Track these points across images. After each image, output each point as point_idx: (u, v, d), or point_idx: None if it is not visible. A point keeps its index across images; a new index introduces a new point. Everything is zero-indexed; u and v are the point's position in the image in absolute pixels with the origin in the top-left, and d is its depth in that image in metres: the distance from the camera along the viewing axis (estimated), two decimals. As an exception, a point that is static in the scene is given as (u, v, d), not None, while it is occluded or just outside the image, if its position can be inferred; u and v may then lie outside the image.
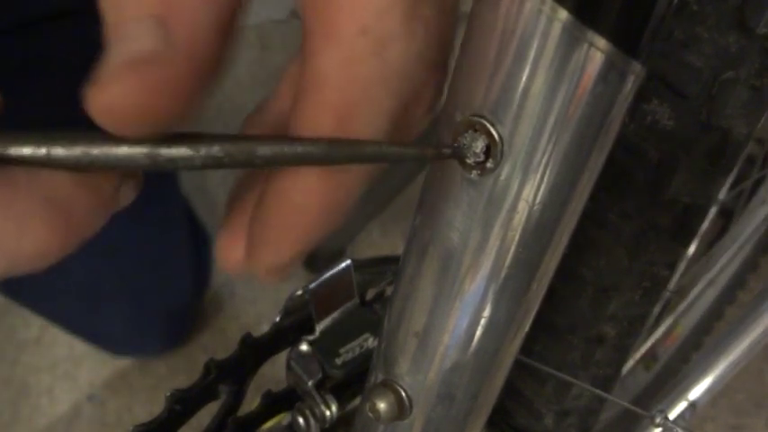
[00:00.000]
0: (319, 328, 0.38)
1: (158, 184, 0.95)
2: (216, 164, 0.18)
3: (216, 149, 0.18)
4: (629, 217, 0.37)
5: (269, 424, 0.41)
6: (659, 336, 0.74)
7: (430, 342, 0.26)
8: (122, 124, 0.16)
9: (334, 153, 0.18)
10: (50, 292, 0.81)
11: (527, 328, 0.27)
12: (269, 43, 1.37)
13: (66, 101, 0.79)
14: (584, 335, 0.41)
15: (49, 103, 0.72)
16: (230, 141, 0.18)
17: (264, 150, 0.18)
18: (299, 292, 0.37)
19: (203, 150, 0.18)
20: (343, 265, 0.38)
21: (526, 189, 0.21)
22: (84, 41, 0.75)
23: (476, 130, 0.21)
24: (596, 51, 0.19)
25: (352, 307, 0.38)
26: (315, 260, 1.12)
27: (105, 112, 0.16)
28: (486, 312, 0.25)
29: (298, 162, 0.18)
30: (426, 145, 0.21)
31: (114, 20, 0.17)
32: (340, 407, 0.38)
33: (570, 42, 0.19)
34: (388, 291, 0.40)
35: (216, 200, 1.22)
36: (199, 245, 0.98)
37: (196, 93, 0.17)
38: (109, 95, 0.16)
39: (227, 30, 0.18)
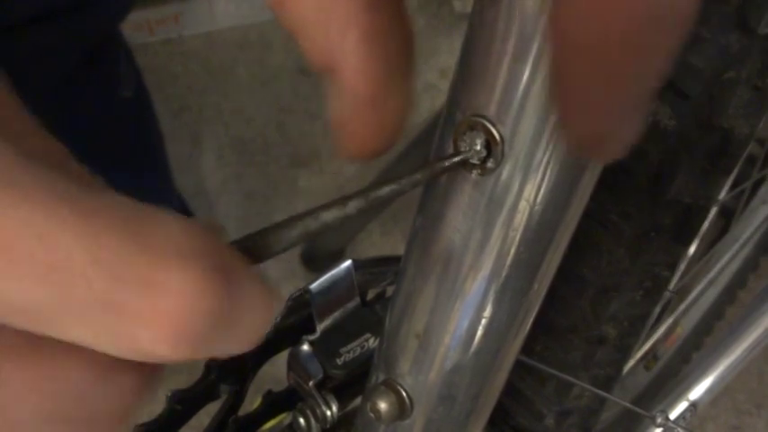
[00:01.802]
0: (320, 328, 0.38)
1: (152, 182, 0.96)
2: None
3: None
4: (630, 217, 0.37)
5: (269, 424, 0.41)
6: (660, 336, 0.74)
7: (431, 342, 0.26)
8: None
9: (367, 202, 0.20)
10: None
11: (528, 329, 0.27)
12: (269, 43, 1.37)
13: (62, 96, 0.79)
14: (585, 335, 0.41)
15: (46, 98, 0.72)
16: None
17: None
18: (300, 292, 0.37)
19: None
20: (344, 265, 0.38)
21: (527, 189, 0.21)
22: (80, 38, 0.76)
23: (476, 131, 0.21)
24: (598, 51, 0.19)
25: (353, 307, 0.38)
26: (315, 260, 1.12)
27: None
28: (487, 312, 0.25)
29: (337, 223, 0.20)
30: (435, 161, 0.21)
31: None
32: (341, 407, 0.38)
33: (572, 42, 0.19)
34: (389, 291, 0.40)
35: (215, 200, 1.22)
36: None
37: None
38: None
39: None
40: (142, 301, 0.16)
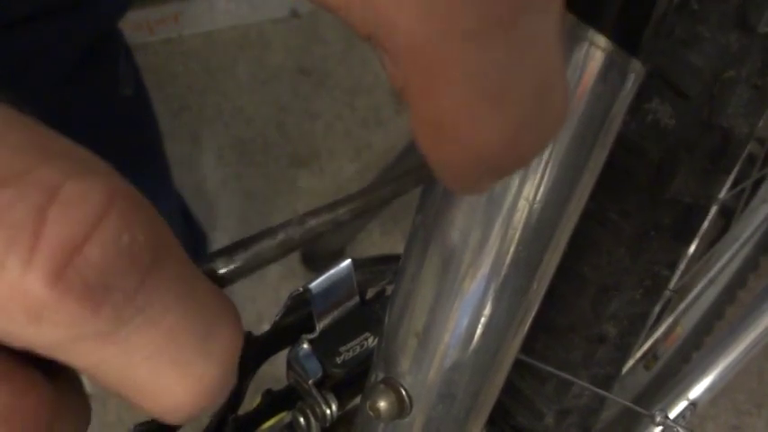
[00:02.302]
0: (319, 326, 0.38)
1: (151, 182, 0.96)
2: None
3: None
4: (629, 216, 0.37)
5: (269, 423, 0.41)
6: (660, 335, 0.74)
7: (430, 341, 0.26)
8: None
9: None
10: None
11: (527, 327, 0.27)
12: (269, 43, 1.37)
13: (61, 95, 0.80)
14: (584, 334, 0.41)
15: (45, 98, 0.72)
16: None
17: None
18: (300, 291, 0.37)
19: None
20: (344, 264, 0.38)
21: (526, 188, 0.21)
22: (78, 37, 0.76)
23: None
24: (597, 50, 0.19)
25: (353, 306, 0.38)
26: (315, 259, 1.12)
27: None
28: (487, 311, 0.25)
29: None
30: None
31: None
32: (340, 406, 0.38)
33: (571, 41, 0.19)
34: (389, 290, 0.40)
35: (215, 201, 1.22)
36: (196, 243, 0.98)
37: None
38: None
39: None
40: (21, 204, 0.10)
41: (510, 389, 0.46)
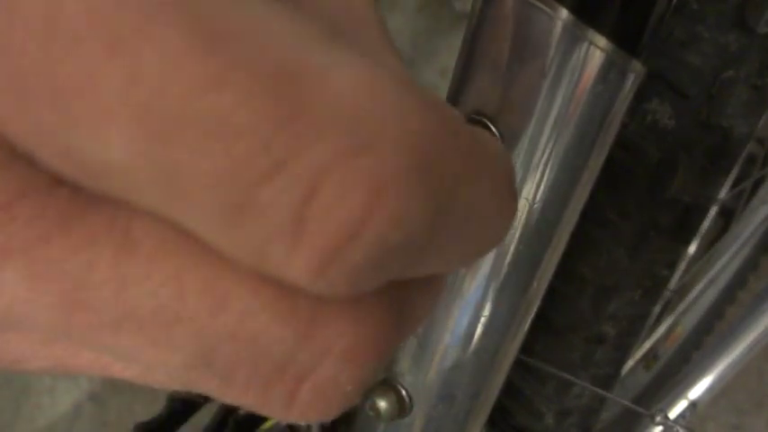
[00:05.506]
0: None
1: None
2: None
3: None
4: (629, 216, 0.37)
5: (269, 423, 0.41)
6: (660, 335, 0.74)
7: (430, 341, 0.26)
8: None
9: None
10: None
11: (527, 328, 0.27)
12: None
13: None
14: (584, 334, 0.41)
15: None
16: None
17: None
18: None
19: None
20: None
21: (526, 187, 0.22)
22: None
23: (476, 129, 0.21)
24: (596, 50, 0.19)
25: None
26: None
27: None
28: (487, 311, 0.25)
29: None
30: None
31: None
32: (340, 406, 0.38)
33: (571, 41, 0.19)
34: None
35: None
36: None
37: None
38: None
39: None
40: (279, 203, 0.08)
41: (510, 389, 0.46)
